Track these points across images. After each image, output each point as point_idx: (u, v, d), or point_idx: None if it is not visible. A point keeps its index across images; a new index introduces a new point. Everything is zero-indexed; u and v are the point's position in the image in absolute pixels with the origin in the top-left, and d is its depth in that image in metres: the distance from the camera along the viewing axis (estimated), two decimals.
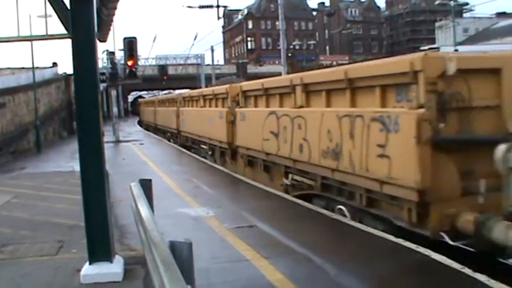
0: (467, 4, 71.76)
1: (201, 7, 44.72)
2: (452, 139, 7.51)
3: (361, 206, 9.15)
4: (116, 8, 9.49)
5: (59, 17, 7.03)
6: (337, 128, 9.62)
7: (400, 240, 7.79)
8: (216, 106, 20.54)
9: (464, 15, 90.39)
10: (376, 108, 8.63)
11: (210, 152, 21.50)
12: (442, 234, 7.25)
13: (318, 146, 10.39)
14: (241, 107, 16.66)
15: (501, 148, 6.51)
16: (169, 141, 32.52)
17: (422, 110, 7.42)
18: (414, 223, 7.69)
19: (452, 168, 7.40)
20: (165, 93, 70.77)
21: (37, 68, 33.76)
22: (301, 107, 11.64)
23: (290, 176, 12.33)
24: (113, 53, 35.09)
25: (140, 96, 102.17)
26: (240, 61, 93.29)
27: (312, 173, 11.05)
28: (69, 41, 6.79)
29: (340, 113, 9.56)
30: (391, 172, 7.94)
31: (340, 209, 9.95)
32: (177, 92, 47.67)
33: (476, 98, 7.63)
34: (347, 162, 9.29)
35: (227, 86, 19.34)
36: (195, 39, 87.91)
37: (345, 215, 9.67)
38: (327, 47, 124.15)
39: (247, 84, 17.41)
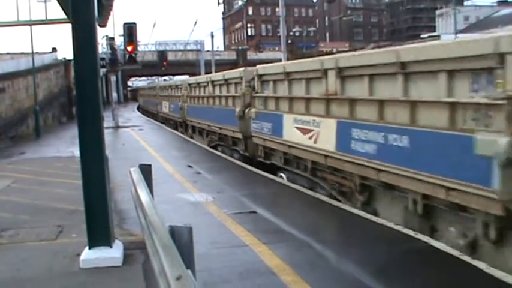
0: None
1: None
2: None
3: None
4: None
5: (58, 2, 6.98)
6: None
7: (399, 227, 7.83)
8: None
9: (465, 3, 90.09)
10: None
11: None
12: None
13: None
14: None
15: None
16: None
17: None
18: None
19: None
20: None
21: (36, 53, 33.69)
22: None
23: None
24: (112, 39, 35.01)
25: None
26: (240, 47, 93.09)
27: None
28: (68, 26, 6.73)
29: None
30: None
31: None
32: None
33: None
34: None
35: None
36: (195, 25, 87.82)
37: None
38: (327, 34, 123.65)
39: None
